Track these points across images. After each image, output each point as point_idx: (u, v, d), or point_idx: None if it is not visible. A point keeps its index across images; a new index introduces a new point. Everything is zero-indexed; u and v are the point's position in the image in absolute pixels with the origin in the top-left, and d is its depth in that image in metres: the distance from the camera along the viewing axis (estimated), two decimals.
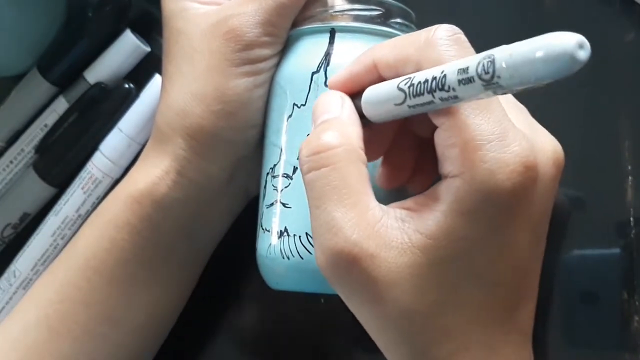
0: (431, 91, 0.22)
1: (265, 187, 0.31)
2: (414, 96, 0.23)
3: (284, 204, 0.30)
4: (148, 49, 0.40)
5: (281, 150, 0.30)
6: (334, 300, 0.35)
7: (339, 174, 0.24)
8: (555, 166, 0.26)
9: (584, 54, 0.17)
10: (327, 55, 0.30)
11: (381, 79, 0.26)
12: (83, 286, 0.32)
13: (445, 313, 0.24)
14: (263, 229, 0.31)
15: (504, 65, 0.19)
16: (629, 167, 0.32)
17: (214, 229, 0.36)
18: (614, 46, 0.33)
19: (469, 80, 0.20)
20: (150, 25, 0.41)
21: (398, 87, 0.24)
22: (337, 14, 0.31)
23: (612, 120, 0.33)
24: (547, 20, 0.35)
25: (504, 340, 0.25)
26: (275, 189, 0.30)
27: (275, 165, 0.31)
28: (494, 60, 0.19)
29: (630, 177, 0.32)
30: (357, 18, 0.30)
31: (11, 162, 0.42)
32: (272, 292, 0.31)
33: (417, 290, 0.24)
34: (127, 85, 0.40)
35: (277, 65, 0.32)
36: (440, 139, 0.24)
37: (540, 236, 0.26)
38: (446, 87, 0.21)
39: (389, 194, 0.29)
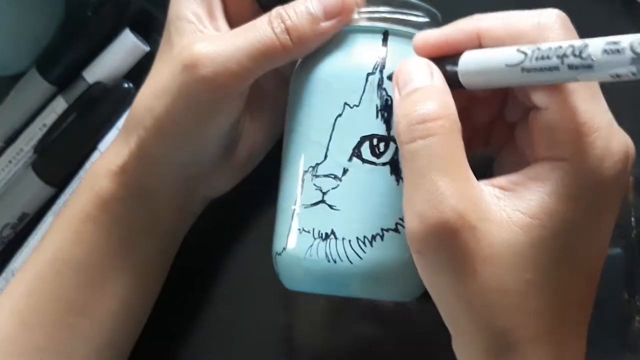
0: (562, 56, 0.22)
1: (302, 185, 0.30)
2: (537, 59, 0.23)
3: (330, 206, 0.29)
4: (147, 49, 0.40)
5: (327, 149, 0.30)
6: (334, 300, 0.35)
7: (445, 144, 0.25)
8: (631, 158, 0.26)
9: None
10: (383, 57, 0.29)
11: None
12: (52, 278, 0.33)
13: (539, 294, 0.24)
14: (299, 230, 0.30)
15: None
16: (629, 167, 0.32)
17: (175, 223, 0.36)
18: None
19: (618, 51, 0.20)
20: (149, 25, 0.41)
21: (518, 49, 0.24)
22: (389, 15, 0.30)
23: None
24: None
25: (581, 324, 0.26)
26: (318, 189, 0.29)
27: (318, 164, 0.30)
28: None
29: (630, 177, 0.32)
30: (407, 23, 0.30)
31: (10, 161, 0.42)
32: (272, 292, 0.31)
33: (515, 268, 0.24)
34: (126, 85, 0.40)
35: (312, 59, 0.31)
36: (544, 120, 0.25)
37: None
38: (584, 55, 0.21)
39: None
